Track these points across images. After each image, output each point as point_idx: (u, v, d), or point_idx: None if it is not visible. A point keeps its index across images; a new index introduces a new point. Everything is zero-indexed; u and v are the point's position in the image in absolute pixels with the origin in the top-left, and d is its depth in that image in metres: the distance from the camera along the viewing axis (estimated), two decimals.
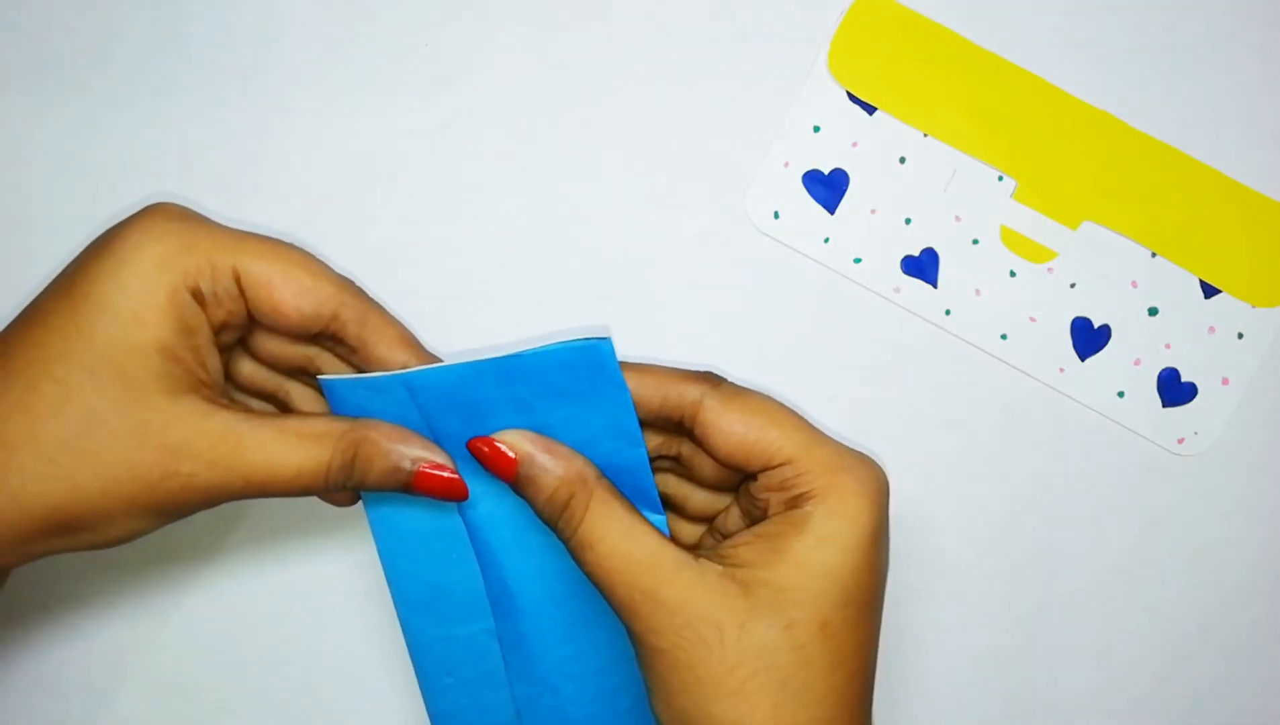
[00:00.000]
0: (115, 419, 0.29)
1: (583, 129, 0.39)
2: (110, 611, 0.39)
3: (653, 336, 0.39)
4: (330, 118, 0.39)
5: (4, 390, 0.30)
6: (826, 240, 0.39)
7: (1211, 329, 0.39)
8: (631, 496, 0.32)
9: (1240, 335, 0.39)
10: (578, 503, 0.31)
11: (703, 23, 0.39)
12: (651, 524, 0.31)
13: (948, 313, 0.39)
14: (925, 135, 0.39)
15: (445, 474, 0.32)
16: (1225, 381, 0.39)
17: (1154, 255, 0.39)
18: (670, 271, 0.39)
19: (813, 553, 0.30)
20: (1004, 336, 0.39)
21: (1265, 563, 0.39)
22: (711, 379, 0.32)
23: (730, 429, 0.31)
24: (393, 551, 0.34)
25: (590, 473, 0.31)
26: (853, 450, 0.31)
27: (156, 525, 0.31)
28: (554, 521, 0.31)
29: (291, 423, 0.31)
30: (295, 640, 0.39)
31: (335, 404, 0.33)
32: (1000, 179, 0.39)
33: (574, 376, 0.31)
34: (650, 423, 0.32)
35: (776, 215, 0.39)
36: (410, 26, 0.40)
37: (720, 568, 0.30)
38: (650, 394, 0.31)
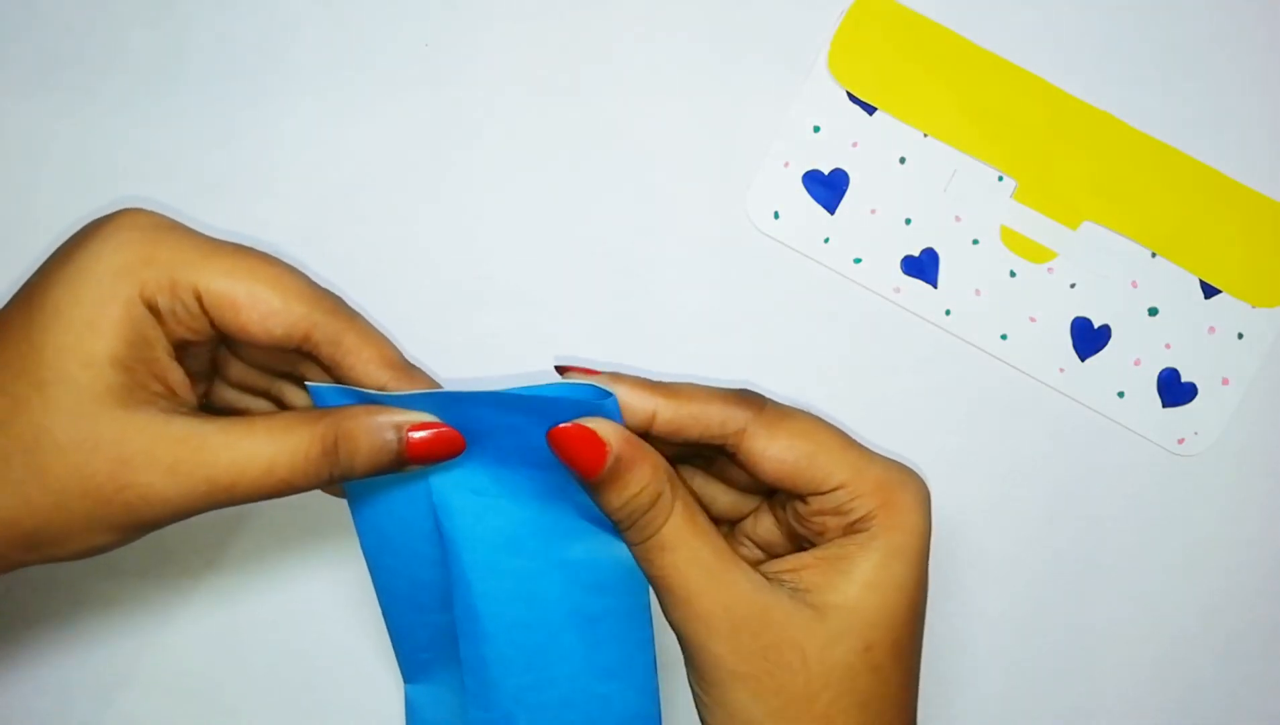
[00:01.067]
0: (64, 433, 0.28)
1: (583, 129, 0.39)
2: (112, 614, 0.39)
3: (653, 336, 0.39)
4: (330, 118, 0.39)
5: None
6: (826, 240, 0.39)
7: (1211, 329, 0.39)
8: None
9: (1240, 335, 0.39)
10: (663, 505, 0.29)
11: (703, 22, 0.39)
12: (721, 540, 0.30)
13: (948, 313, 0.39)
14: (925, 135, 0.39)
15: (435, 432, 0.30)
16: (1225, 381, 0.39)
17: (1154, 255, 0.39)
18: (670, 271, 0.39)
19: (882, 573, 0.29)
20: (1004, 336, 0.39)
21: (1265, 562, 0.39)
22: (753, 402, 0.30)
23: (779, 458, 0.30)
24: (377, 550, 0.34)
25: (674, 475, 0.30)
26: (897, 463, 0.31)
27: (122, 539, 0.29)
28: (632, 520, 0.29)
29: (263, 419, 0.29)
30: (297, 642, 0.39)
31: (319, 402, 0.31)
32: (1000, 179, 0.39)
33: (575, 415, 0.30)
34: (686, 454, 0.31)
35: (776, 215, 0.39)
36: (410, 27, 0.40)
37: (791, 590, 0.29)
38: (689, 424, 0.30)
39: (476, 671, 0.34)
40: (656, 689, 0.34)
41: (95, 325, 0.29)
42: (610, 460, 0.29)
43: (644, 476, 0.29)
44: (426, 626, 0.34)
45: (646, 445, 0.29)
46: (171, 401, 0.30)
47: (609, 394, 0.30)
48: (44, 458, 0.28)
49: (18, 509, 0.28)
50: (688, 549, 0.29)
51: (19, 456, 0.28)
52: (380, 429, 0.29)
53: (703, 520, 0.30)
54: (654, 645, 0.33)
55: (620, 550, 0.32)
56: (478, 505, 0.32)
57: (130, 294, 0.29)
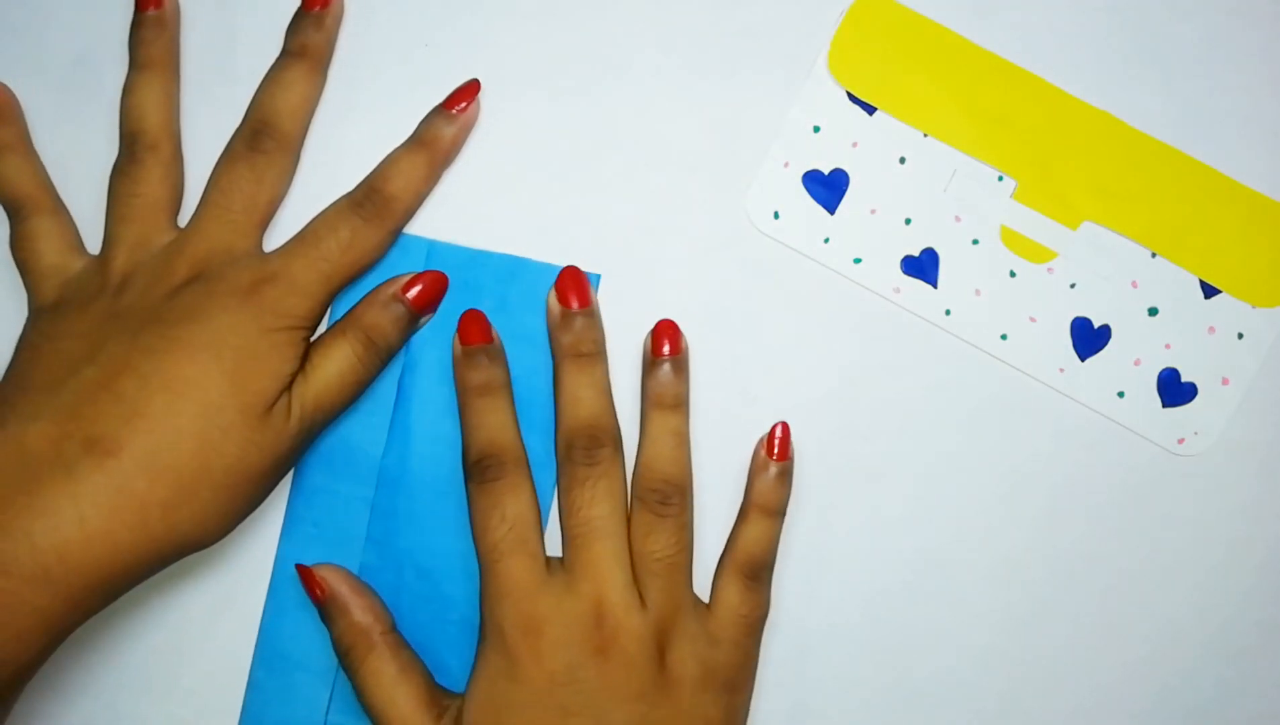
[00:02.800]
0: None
1: (582, 129, 0.39)
2: (111, 613, 0.38)
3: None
4: (330, 118, 0.39)
5: None
6: (826, 240, 0.39)
7: (1211, 329, 0.39)
8: (545, 413, 0.38)
9: (1240, 335, 0.39)
10: (358, 651, 0.36)
11: (703, 23, 0.39)
12: (416, 685, 0.35)
13: (948, 313, 0.39)
14: (925, 135, 0.39)
15: (424, 283, 0.37)
16: (1225, 381, 0.39)
17: (1154, 255, 0.39)
18: (670, 271, 0.39)
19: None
20: (1004, 336, 0.39)
21: (1266, 562, 0.39)
22: None
23: None
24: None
25: (379, 628, 0.36)
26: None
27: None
28: (340, 658, 0.36)
29: (318, 347, 0.37)
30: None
31: None
32: (1000, 179, 0.39)
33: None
34: None
35: (776, 215, 0.39)
36: (410, 26, 0.40)
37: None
38: None
39: (383, 518, 0.38)
40: None
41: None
42: (325, 602, 0.36)
43: (342, 626, 0.36)
44: (327, 493, 0.38)
45: (364, 599, 0.36)
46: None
47: (594, 275, 0.38)
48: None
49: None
50: (376, 692, 0.35)
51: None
52: (389, 305, 0.37)
53: (394, 671, 0.35)
54: None
55: (542, 453, 0.37)
56: (440, 377, 0.38)
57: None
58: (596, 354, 0.37)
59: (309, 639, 0.38)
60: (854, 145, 0.39)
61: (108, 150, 0.39)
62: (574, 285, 0.38)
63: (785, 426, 0.38)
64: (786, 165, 0.39)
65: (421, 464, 0.38)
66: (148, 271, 0.36)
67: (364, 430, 0.38)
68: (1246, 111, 0.39)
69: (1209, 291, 0.39)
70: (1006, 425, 0.39)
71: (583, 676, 0.34)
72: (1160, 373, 0.39)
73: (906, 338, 0.39)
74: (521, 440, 0.37)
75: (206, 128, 0.39)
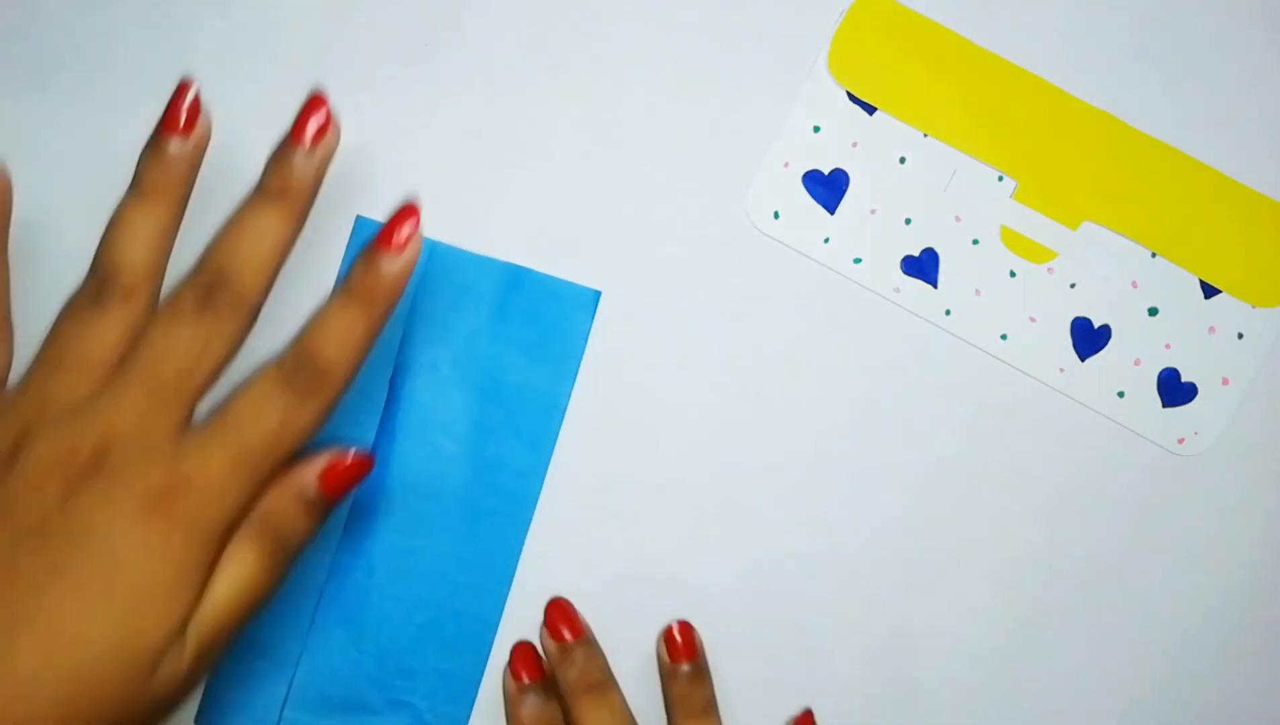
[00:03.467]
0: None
1: (582, 129, 0.39)
2: None
3: (653, 336, 0.39)
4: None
5: None
6: (826, 240, 0.39)
7: (1211, 329, 0.39)
8: (534, 424, 0.38)
9: (1240, 335, 0.39)
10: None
11: (703, 22, 0.39)
12: None
13: (948, 313, 0.39)
14: (925, 135, 0.39)
15: (340, 463, 0.31)
16: (1225, 381, 0.39)
17: (1154, 255, 0.39)
18: (670, 271, 0.39)
19: None
20: (1004, 336, 0.39)
21: (1265, 562, 0.39)
22: None
23: None
24: None
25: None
26: None
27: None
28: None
29: (221, 565, 0.30)
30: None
31: (355, 243, 0.38)
32: (1000, 179, 0.39)
33: (556, 310, 0.38)
34: None
35: (776, 215, 0.39)
36: (410, 27, 0.40)
37: None
38: None
39: (363, 516, 0.38)
40: (505, 600, 0.38)
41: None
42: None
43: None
44: None
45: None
46: None
47: (597, 292, 0.38)
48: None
49: None
50: None
51: None
52: (301, 495, 0.31)
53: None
54: (519, 560, 0.38)
55: (528, 464, 0.38)
56: (431, 379, 0.38)
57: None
58: (606, 681, 0.37)
59: (273, 628, 0.37)
60: (854, 145, 0.39)
61: (109, 149, 0.39)
62: (562, 617, 0.37)
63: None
64: (786, 165, 0.39)
65: (405, 465, 0.38)
66: (50, 438, 0.29)
67: (351, 427, 0.38)
68: (1246, 111, 0.39)
69: (1209, 291, 0.39)
70: (1006, 425, 0.39)
71: None
72: (1160, 373, 0.39)
73: (906, 338, 0.39)
74: None
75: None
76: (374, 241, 0.31)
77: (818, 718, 0.38)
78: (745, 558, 0.39)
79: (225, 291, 0.30)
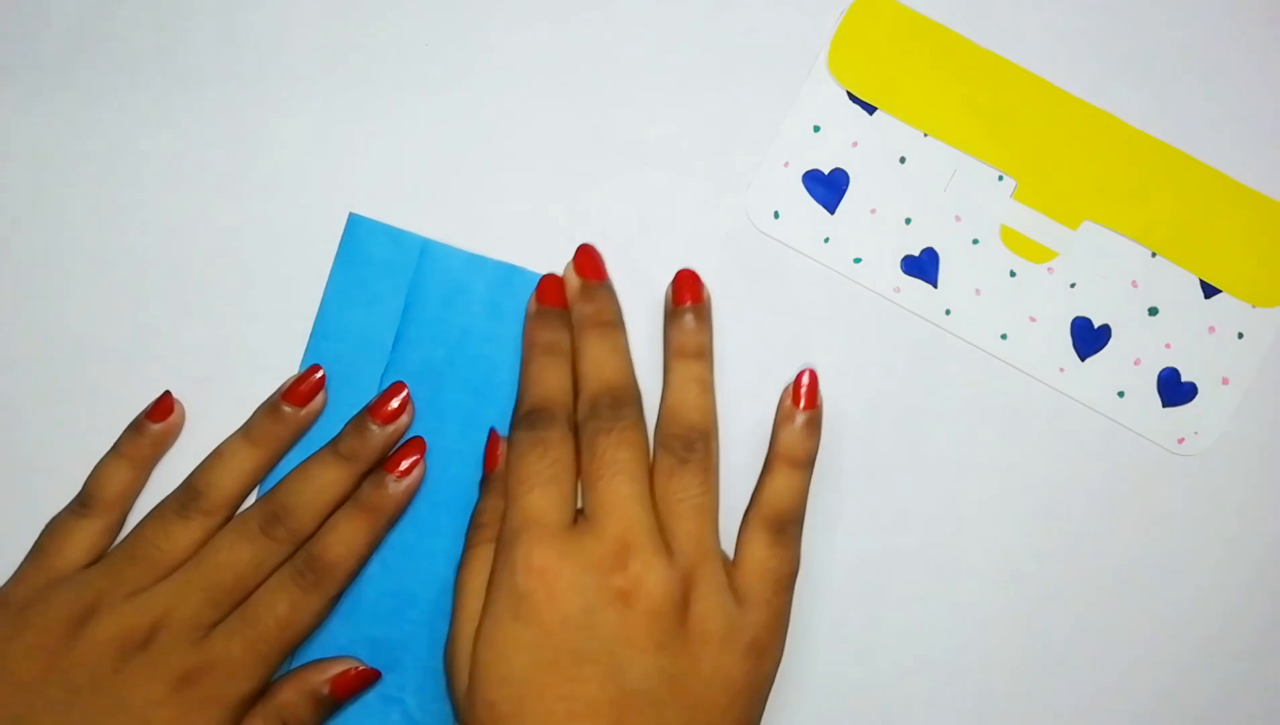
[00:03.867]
0: None
1: (582, 129, 0.39)
2: None
3: (652, 336, 0.39)
4: (330, 119, 0.39)
5: None
6: (826, 240, 0.39)
7: (1211, 329, 0.39)
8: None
9: (1240, 335, 0.39)
10: (484, 533, 0.37)
11: (703, 22, 0.39)
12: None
13: (948, 313, 0.39)
14: (925, 135, 0.39)
15: (352, 672, 0.37)
16: (1225, 381, 0.39)
17: (1154, 255, 0.39)
18: (670, 271, 0.39)
19: None
20: (1004, 336, 0.39)
21: (1266, 562, 0.39)
22: None
23: None
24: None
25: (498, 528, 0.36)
26: None
27: None
28: (470, 527, 0.37)
29: None
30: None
31: (348, 240, 0.39)
32: (1000, 179, 0.39)
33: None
34: None
35: (776, 215, 0.39)
36: (410, 26, 0.40)
37: None
38: None
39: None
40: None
41: None
42: (492, 472, 0.38)
43: (497, 501, 0.37)
44: None
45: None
46: None
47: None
48: None
49: None
50: (473, 574, 0.37)
51: None
52: (311, 692, 0.36)
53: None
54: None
55: None
56: (425, 379, 0.38)
57: None
58: (616, 323, 0.38)
59: None
60: (854, 145, 0.39)
61: (109, 149, 0.39)
62: (589, 260, 0.38)
63: (812, 373, 0.37)
64: (786, 165, 0.39)
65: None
66: (115, 616, 0.35)
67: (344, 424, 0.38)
68: (1246, 111, 0.39)
69: (1209, 291, 0.39)
70: (1006, 425, 0.39)
71: (599, 621, 0.33)
72: (1160, 372, 0.39)
73: (906, 338, 0.39)
74: (574, 403, 0.37)
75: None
76: (383, 465, 0.37)
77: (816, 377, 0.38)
78: None
79: (284, 526, 0.36)
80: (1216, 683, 0.39)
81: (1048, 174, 0.39)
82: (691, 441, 0.36)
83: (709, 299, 0.38)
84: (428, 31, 0.40)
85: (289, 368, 0.39)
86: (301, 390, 0.38)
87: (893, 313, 0.39)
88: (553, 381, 0.37)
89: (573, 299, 0.38)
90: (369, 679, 0.37)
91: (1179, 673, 0.39)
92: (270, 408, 0.38)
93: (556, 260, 0.39)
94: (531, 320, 0.38)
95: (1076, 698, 0.39)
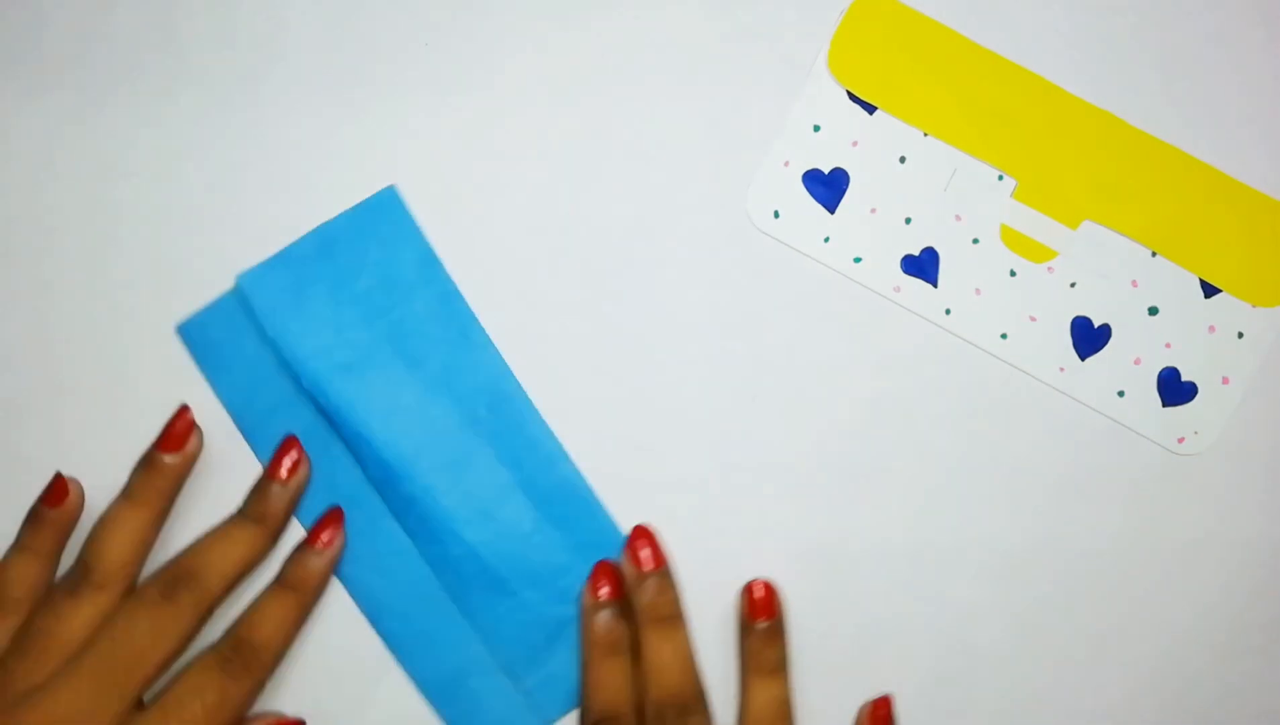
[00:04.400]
0: None
1: (583, 129, 0.39)
2: None
3: (653, 336, 0.39)
4: (330, 118, 0.39)
5: None
6: (826, 240, 0.39)
7: (1211, 329, 0.39)
8: (448, 322, 0.38)
9: (1240, 335, 0.39)
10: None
11: (703, 22, 0.39)
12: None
13: (948, 312, 0.39)
14: (925, 135, 0.39)
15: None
16: (1225, 381, 0.39)
17: (1154, 255, 0.39)
18: (670, 271, 0.39)
19: None
20: (1004, 336, 0.39)
21: (1265, 562, 0.39)
22: None
23: None
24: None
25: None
26: None
27: None
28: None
29: None
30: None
31: (190, 345, 0.38)
32: (1000, 179, 0.39)
33: (376, 231, 0.38)
34: None
35: (776, 215, 0.39)
36: (410, 26, 0.40)
37: None
38: None
39: (409, 511, 0.38)
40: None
41: None
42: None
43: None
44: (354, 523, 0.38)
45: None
46: None
47: (389, 187, 0.39)
48: None
49: None
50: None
51: None
52: None
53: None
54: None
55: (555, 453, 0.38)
56: (365, 371, 0.38)
57: None
58: (676, 616, 0.37)
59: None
60: (854, 145, 0.39)
61: (109, 149, 0.39)
62: (644, 543, 0.37)
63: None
64: (786, 165, 0.39)
65: (394, 449, 0.38)
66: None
67: (332, 472, 0.38)
68: (1246, 111, 0.39)
69: (1209, 291, 0.39)
70: (1006, 425, 0.39)
71: None
72: (1160, 372, 0.39)
73: (906, 337, 0.39)
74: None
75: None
76: (303, 540, 0.37)
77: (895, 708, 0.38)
78: (744, 556, 0.39)
79: (188, 589, 0.34)
80: (1217, 682, 0.39)
81: (1048, 174, 0.39)
82: None
83: (783, 612, 0.38)
84: (428, 31, 0.40)
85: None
86: (174, 434, 0.37)
87: (893, 312, 0.39)
88: (617, 683, 0.36)
89: (632, 585, 0.37)
90: None
91: (1179, 672, 0.39)
92: (147, 462, 0.36)
93: (557, 260, 0.39)
94: (589, 615, 0.37)
95: (1076, 697, 0.39)
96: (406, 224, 0.39)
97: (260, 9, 0.40)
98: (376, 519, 0.38)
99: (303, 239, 0.38)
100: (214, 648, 0.35)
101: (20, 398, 0.39)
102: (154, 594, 0.34)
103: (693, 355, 0.39)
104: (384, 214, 0.39)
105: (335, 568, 0.37)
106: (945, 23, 0.39)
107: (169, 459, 0.36)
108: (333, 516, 0.37)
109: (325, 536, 0.37)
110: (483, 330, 0.39)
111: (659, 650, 0.36)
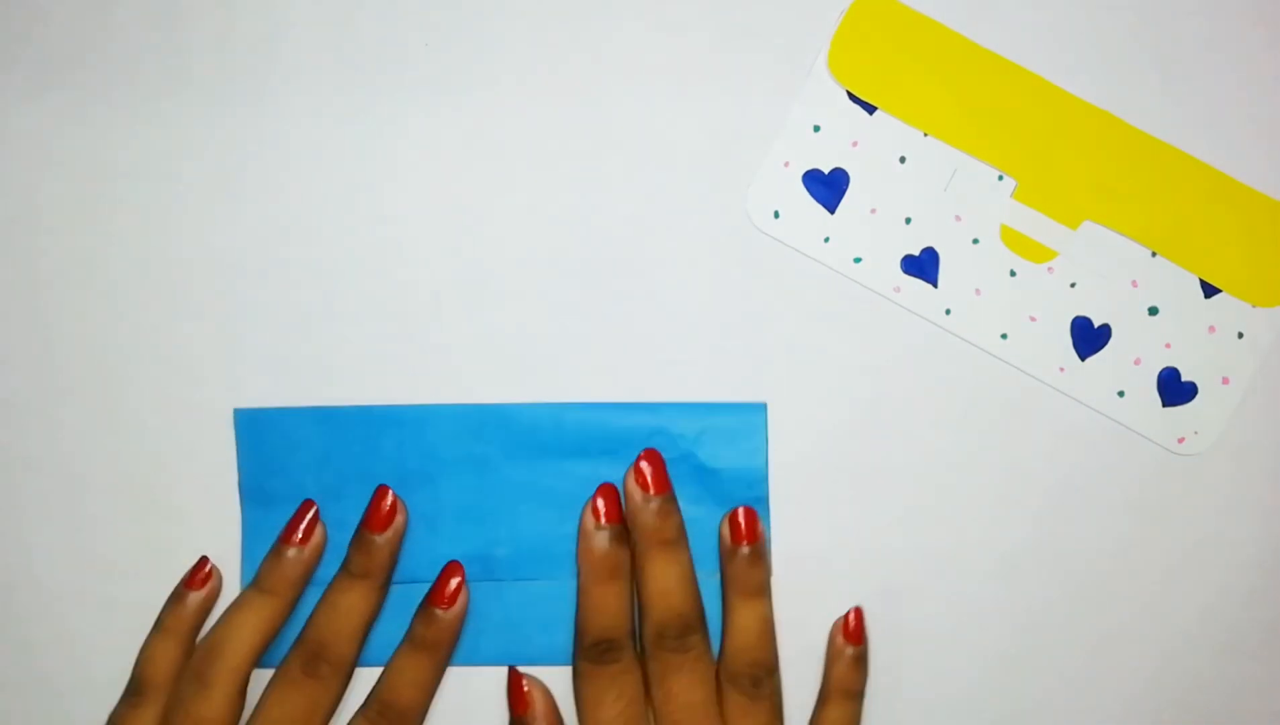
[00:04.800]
0: None
1: (583, 129, 0.39)
2: (111, 614, 0.39)
3: (653, 337, 0.39)
4: (330, 118, 0.39)
5: None
6: (826, 240, 0.39)
7: (1211, 329, 0.39)
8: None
9: (1240, 335, 0.39)
10: None
11: (703, 23, 0.39)
12: None
13: (948, 313, 0.39)
14: (925, 135, 0.39)
15: None
16: (1225, 381, 0.39)
17: (1154, 255, 0.39)
18: (670, 271, 0.39)
19: None
20: (1004, 336, 0.39)
21: (1265, 562, 0.39)
22: None
23: None
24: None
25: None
26: None
27: None
28: None
29: None
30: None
31: (243, 435, 0.39)
32: (1000, 179, 0.39)
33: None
34: None
35: (776, 215, 0.39)
36: (410, 27, 0.40)
37: None
38: None
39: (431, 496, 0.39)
40: None
41: None
42: (525, 716, 0.37)
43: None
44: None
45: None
46: None
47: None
48: None
49: None
50: None
51: None
52: None
53: None
54: None
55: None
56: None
57: None
58: (679, 541, 0.37)
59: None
60: (854, 145, 0.39)
61: (109, 149, 0.39)
62: (651, 467, 0.38)
63: (858, 612, 0.38)
64: (786, 165, 0.39)
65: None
66: None
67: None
68: (1246, 111, 0.39)
69: (1209, 291, 0.39)
70: (1006, 425, 0.39)
71: None
72: (1160, 372, 0.39)
73: (906, 338, 0.39)
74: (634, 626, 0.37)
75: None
76: (428, 598, 0.37)
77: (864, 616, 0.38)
78: None
79: (325, 662, 0.36)
80: (1217, 683, 0.39)
81: (1048, 174, 0.39)
82: (759, 679, 0.37)
83: (765, 536, 0.38)
84: (428, 32, 0.40)
85: (295, 371, 0.39)
86: (295, 529, 0.38)
87: (893, 313, 0.39)
88: (615, 607, 0.37)
89: (634, 510, 0.37)
90: None
91: (1179, 672, 0.39)
92: (274, 556, 0.38)
93: (557, 260, 0.39)
94: (589, 539, 0.37)
95: (1076, 697, 0.39)
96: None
97: (260, 9, 0.40)
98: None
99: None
100: (362, 713, 0.37)
101: (18, 398, 0.39)
102: (296, 671, 0.36)
103: (692, 357, 0.39)
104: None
105: (463, 620, 0.38)
106: (945, 23, 0.39)
107: (294, 553, 0.37)
108: (453, 569, 0.38)
109: (450, 591, 0.37)
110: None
111: (662, 574, 0.37)
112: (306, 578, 0.38)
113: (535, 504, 0.38)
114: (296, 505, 0.38)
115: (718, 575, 0.38)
